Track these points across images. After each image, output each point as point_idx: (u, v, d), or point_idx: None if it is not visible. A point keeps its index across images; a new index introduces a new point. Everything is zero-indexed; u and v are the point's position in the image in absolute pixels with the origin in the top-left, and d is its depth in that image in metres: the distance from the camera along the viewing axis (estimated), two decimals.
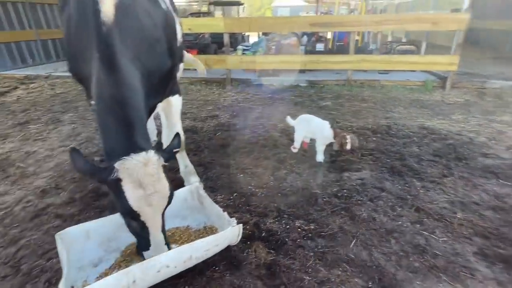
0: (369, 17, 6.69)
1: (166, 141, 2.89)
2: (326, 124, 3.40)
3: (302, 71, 8.05)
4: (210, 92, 7.21)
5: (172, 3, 2.78)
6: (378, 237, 2.35)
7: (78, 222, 2.45)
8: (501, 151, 3.81)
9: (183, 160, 3.00)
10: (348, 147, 3.17)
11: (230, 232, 2.01)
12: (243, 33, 13.29)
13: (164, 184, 1.69)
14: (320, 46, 8.09)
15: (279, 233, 2.38)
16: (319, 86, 7.38)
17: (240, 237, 2.11)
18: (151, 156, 1.65)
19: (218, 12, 19.68)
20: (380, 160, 3.59)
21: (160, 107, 2.65)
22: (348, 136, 3.17)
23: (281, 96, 6.65)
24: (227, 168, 3.43)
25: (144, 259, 1.81)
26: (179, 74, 3.13)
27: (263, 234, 2.36)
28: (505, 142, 4.08)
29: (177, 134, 2.00)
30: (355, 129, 4.63)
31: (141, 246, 1.84)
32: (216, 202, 2.79)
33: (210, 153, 3.83)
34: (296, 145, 3.74)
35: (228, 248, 2.16)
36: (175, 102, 2.69)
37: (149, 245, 1.77)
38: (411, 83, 7.11)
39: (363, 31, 8.09)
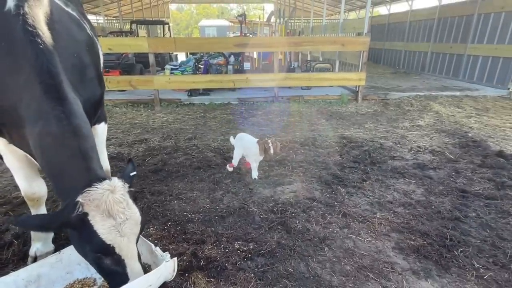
0: (288, 39, 7.28)
1: None
2: (254, 141, 3.50)
3: (232, 89, 8.24)
4: (138, 114, 6.81)
5: (92, 27, 2.59)
6: (313, 246, 2.48)
7: None
8: (405, 153, 4.46)
9: None
10: (271, 151, 3.33)
11: (164, 269, 1.87)
12: (170, 53, 13.05)
13: (134, 210, 1.61)
14: (247, 65, 8.42)
15: (218, 258, 2.31)
16: (250, 103, 7.64)
17: (176, 271, 1.98)
18: (117, 182, 1.57)
19: (142, 31, 19.00)
20: (309, 171, 3.84)
21: None
22: (269, 141, 3.33)
23: (213, 115, 6.67)
24: (159, 196, 3.23)
25: None
26: None
27: (201, 263, 2.26)
28: (407, 145, 4.80)
29: (130, 160, 2.02)
30: (285, 142, 4.89)
31: (116, 284, 1.62)
32: (149, 235, 2.60)
33: (140, 181, 3.56)
34: (234, 162, 3.75)
35: (165, 285, 2.00)
36: (101, 130, 2.46)
37: (127, 280, 1.60)
38: (330, 97, 7.89)
39: (285, 52, 8.76)
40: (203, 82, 7.31)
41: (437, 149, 4.57)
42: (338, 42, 7.18)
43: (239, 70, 8.24)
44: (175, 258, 1.93)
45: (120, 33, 13.50)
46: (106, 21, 22.89)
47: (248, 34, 10.79)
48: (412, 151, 4.53)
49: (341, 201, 3.11)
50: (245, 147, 3.59)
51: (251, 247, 2.46)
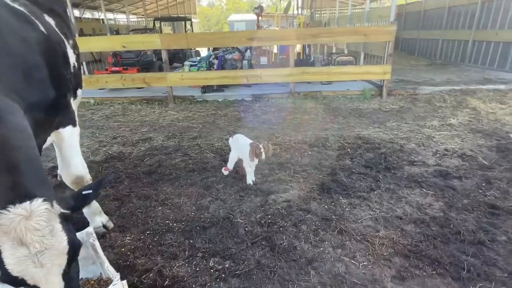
0: (304, 31, 6.82)
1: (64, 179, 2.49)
2: (248, 144, 3.21)
3: (247, 85, 7.96)
4: (151, 111, 6.79)
5: (63, 26, 2.45)
6: (297, 269, 2.15)
7: None
8: (428, 157, 3.90)
9: None
10: (263, 156, 3.05)
11: None
12: (192, 49, 13.05)
13: (60, 238, 1.37)
14: (263, 60, 8.08)
15: (185, 279, 2.08)
16: (264, 99, 7.32)
17: None
18: (37, 206, 1.34)
19: (167, 28, 19.31)
20: (311, 176, 3.47)
21: (49, 141, 2.25)
22: (261, 146, 3.03)
23: (225, 112, 6.45)
24: (145, 201, 3.07)
25: None
26: (76, 101, 2.77)
27: (166, 283, 2.04)
28: (431, 148, 4.21)
29: (102, 177, 1.75)
30: (292, 143, 4.53)
31: None
32: (123, 245, 2.45)
33: (130, 183, 3.44)
34: (229, 166, 3.50)
35: None
36: (67, 134, 2.31)
37: None
38: (351, 93, 7.31)
39: (304, 44, 8.27)
40: (216, 78, 7.11)
41: (468, 153, 3.95)
42: (360, 32, 6.58)
43: (256, 65, 7.92)
44: (125, 282, 1.72)
45: (142, 30, 13.76)
46: (137, 19, 23.64)
47: (264, 27, 10.39)
48: (437, 155, 3.96)
49: (340, 215, 2.73)
50: (239, 150, 3.32)
51: (227, 265, 2.20)
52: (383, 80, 7.00)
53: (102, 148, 4.61)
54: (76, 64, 2.52)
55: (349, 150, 4.22)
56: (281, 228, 2.55)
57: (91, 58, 10.66)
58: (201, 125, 5.66)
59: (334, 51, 11.83)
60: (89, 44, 6.85)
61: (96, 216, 2.63)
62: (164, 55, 6.92)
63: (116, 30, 14.87)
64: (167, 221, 2.74)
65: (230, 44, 7.28)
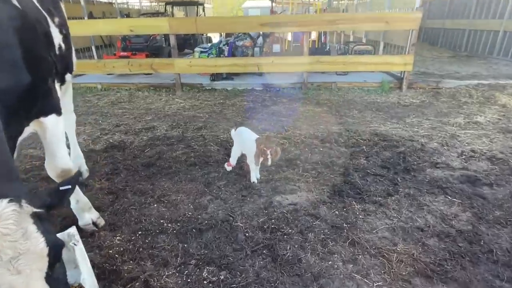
0: (320, 17, 6.37)
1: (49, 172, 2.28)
2: (253, 139, 2.93)
3: (258, 74, 7.61)
4: (158, 99, 6.56)
5: (47, 2, 2.19)
6: (301, 285, 1.89)
7: None
8: (452, 159, 3.53)
9: (73, 194, 2.38)
10: (269, 163, 2.78)
11: None
12: (203, 34, 12.68)
13: (35, 241, 1.22)
14: (276, 47, 7.68)
15: None
16: (275, 89, 6.97)
17: None
18: (3, 208, 1.17)
19: (180, 13, 18.91)
20: (322, 176, 3.17)
21: (28, 131, 2.03)
22: (268, 151, 2.71)
23: (233, 102, 6.16)
24: (140, 196, 2.86)
25: None
26: (66, 87, 2.53)
27: None
28: (456, 148, 3.82)
29: (78, 171, 1.67)
30: (303, 138, 4.22)
31: None
32: (112, 246, 2.24)
33: (128, 176, 3.24)
34: (231, 161, 3.24)
35: None
36: (50, 124, 2.07)
37: None
38: (368, 85, 6.86)
39: (320, 31, 7.80)
40: (225, 65, 6.79)
41: (498, 156, 3.55)
42: (382, 19, 6.08)
43: (268, 53, 7.54)
44: None
45: (153, 14, 13.44)
46: (150, 3, 23.28)
47: (278, 13, 9.87)
48: (463, 157, 3.57)
49: (352, 223, 2.43)
50: (243, 145, 3.04)
51: (222, 277, 1.96)
52: (404, 72, 6.51)
53: (103, 136, 4.42)
54: (63, 45, 2.27)
55: (364, 147, 3.88)
56: (285, 236, 2.29)
57: (100, 42, 10.48)
58: (207, 114, 5.40)
59: (351, 40, 11.25)
60: (96, 27, 6.62)
61: (85, 212, 2.43)
62: (172, 40, 6.63)
63: (126, 14, 14.58)
64: (161, 221, 2.52)
65: (241, 29, 6.91)
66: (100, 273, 2.01)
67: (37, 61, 1.85)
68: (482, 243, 2.20)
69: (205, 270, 2.01)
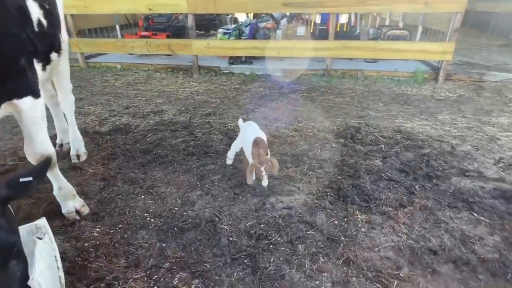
0: None
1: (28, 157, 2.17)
2: (251, 139, 2.57)
3: (280, 59, 7.19)
4: (173, 81, 6.43)
5: None
6: None
7: None
8: (487, 166, 3.03)
9: (55, 180, 2.30)
10: (265, 183, 2.51)
11: None
12: (229, 14, 12.27)
13: None
14: (301, 30, 7.16)
15: None
16: (295, 76, 6.54)
17: None
18: None
19: None
20: (327, 176, 2.84)
21: (1, 113, 1.92)
22: (262, 168, 2.34)
23: (249, 88, 5.86)
24: (130, 185, 2.73)
25: None
26: (53, 67, 2.39)
27: None
28: (494, 154, 3.29)
29: (47, 159, 1.57)
30: (315, 130, 3.87)
31: None
32: (90, 237, 2.13)
33: (123, 162, 3.13)
34: (229, 154, 3.00)
35: None
36: (27, 107, 1.93)
37: None
38: (399, 74, 6.21)
39: (350, 13, 7.13)
40: (244, 48, 6.45)
41: None
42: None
43: (291, 36, 7.06)
44: None
45: None
46: None
47: None
48: (500, 165, 3.05)
49: (352, 236, 2.12)
50: (244, 141, 2.75)
51: (193, 286, 1.77)
52: (442, 62, 5.79)
53: (111, 118, 4.37)
54: (44, 21, 2.10)
55: (383, 146, 3.46)
56: (271, 246, 2.03)
57: (125, 21, 10.48)
58: (219, 100, 5.17)
59: (387, 23, 10.32)
60: (115, 5, 6.52)
61: (68, 200, 2.33)
62: (190, 20, 6.38)
63: None
64: (145, 214, 2.37)
65: (263, 9, 6.47)
66: (70, 267, 1.90)
67: (4, 38, 1.69)
68: (509, 277, 1.80)
69: (177, 276, 1.83)
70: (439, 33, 7.15)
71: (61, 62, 2.62)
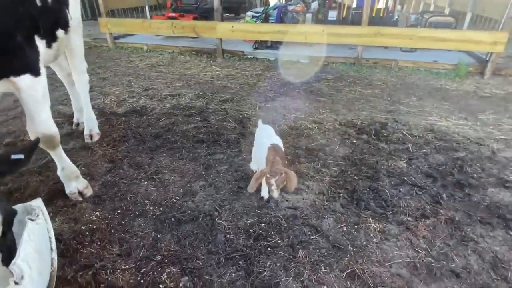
0: None
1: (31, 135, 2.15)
2: (265, 148, 2.21)
3: (308, 45, 6.80)
4: (196, 64, 6.33)
5: None
6: None
7: None
8: None
9: (58, 160, 2.28)
10: (276, 195, 2.07)
11: None
12: None
13: None
14: (332, 15, 6.69)
15: None
16: (323, 63, 6.17)
17: None
18: None
19: None
20: (342, 176, 2.60)
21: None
22: (273, 180, 1.97)
23: (272, 74, 5.61)
24: (135, 170, 2.68)
25: None
26: (60, 44, 2.33)
27: None
28: None
29: (38, 139, 1.55)
30: (336, 124, 3.59)
31: None
32: (89, 221, 2.11)
33: (132, 145, 3.08)
34: (251, 166, 2.62)
35: None
36: (26, 85, 1.86)
37: None
38: (439, 66, 5.63)
39: None
40: (269, 32, 6.15)
41: None
42: None
43: (320, 21, 6.62)
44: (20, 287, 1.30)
45: None
46: None
47: None
48: None
49: (361, 246, 1.90)
50: (259, 147, 2.39)
51: (181, 284, 1.67)
52: (491, 54, 5.13)
53: (129, 99, 4.36)
54: None
55: (410, 146, 3.13)
56: (269, 248, 1.87)
57: (154, 2, 10.49)
58: (239, 86, 4.99)
59: (432, 9, 9.41)
60: None
61: (71, 181, 2.32)
62: (216, 2, 6.18)
63: None
64: (146, 201, 2.31)
65: None
66: (65, 250, 1.88)
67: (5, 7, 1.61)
68: None
69: (167, 271, 1.74)
70: (490, 21, 6.36)
71: (71, 41, 2.57)
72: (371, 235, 1.97)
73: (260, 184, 2.08)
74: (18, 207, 1.74)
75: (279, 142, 2.35)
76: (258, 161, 2.35)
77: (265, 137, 2.36)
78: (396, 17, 6.67)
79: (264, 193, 2.25)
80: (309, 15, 6.59)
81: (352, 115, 3.89)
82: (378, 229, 2.02)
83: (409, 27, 6.65)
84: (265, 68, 6.01)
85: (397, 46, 5.93)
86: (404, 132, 3.42)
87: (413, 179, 2.56)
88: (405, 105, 4.28)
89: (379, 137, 3.33)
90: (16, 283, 1.35)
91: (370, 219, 2.10)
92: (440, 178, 2.59)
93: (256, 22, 7.36)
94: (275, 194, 2.02)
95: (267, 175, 1.98)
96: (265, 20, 6.76)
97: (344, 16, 6.67)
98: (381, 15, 6.56)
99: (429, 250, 1.87)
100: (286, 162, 2.30)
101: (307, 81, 5.26)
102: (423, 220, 2.10)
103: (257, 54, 6.58)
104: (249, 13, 8.35)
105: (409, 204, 2.25)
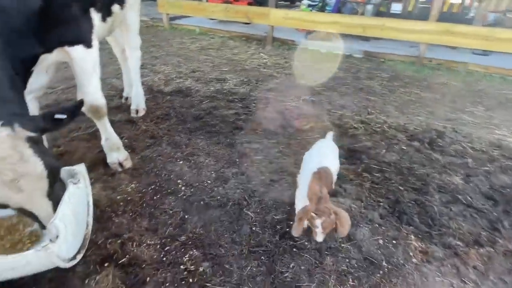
0: None
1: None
2: (311, 171, 1.81)
3: (365, 38, 6.36)
4: (244, 51, 6.28)
5: None
6: None
7: None
8: None
9: (103, 131, 2.38)
10: (319, 239, 1.57)
11: (35, 256, 1.38)
12: None
13: (33, 164, 1.34)
14: (397, 7, 6.15)
15: (143, 266, 1.64)
16: (379, 60, 5.73)
17: (66, 262, 1.47)
18: None
19: None
20: (386, 183, 2.38)
21: (51, 59, 1.95)
22: (318, 222, 1.53)
23: (321, 67, 5.36)
24: (173, 149, 2.73)
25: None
26: (112, 20, 2.39)
27: (121, 261, 1.66)
28: None
29: (81, 101, 1.64)
30: (385, 126, 3.31)
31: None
32: (124, 192, 2.19)
33: (174, 124, 3.15)
34: (298, 195, 1.95)
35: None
36: (78, 56, 1.94)
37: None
38: None
39: None
40: (324, 23, 5.85)
41: None
42: None
43: (382, 13, 6.12)
44: (47, 249, 1.38)
45: None
46: None
47: None
48: None
49: (397, 264, 1.71)
50: (303, 168, 2.03)
51: (201, 269, 1.66)
52: None
53: (177, 79, 4.47)
54: None
55: (470, 160, 2.76)
56: (295, 249, 1.77)
57: None
58: (285, 76, 4.85)
59: None
60: None
61: (113, 152, 2.43)
62: None
63: None
64: (178, 181, 2.33)
65: None
66: (100, 216, 1.98)
67: None
68: None
69: (189, 253, 1.74)
70: None
71: (127, 16, 2.64)
72: (411, 254, 1.77)
73: (314, 227, 1.57)
74: (63, 169, 1.85)
75: (332, 165, 1.92)
76: (301, 190, 1.85)
77: (315, 156, 1.92)
78: (472, 14, 5.90)
79: (295, 233, 1.61)
80: (369, 7, 6.12)
81: (405, 119, 3.55)
82: (420, 248, 1.80)
83: (486, 26, 5.85)
84: (314, 60, 5.74)
85: (468, 47, 5.27)
86: (464, 145, 3.03)
87: (469, 199, 2.25)
88: (469, 114, 3.79)
89: (434, 146, 2.99)
90: (51, 241, 1.45)
91: (412, 236, 1.88)
92: (502, 202, 2.25)
93: (311, 11, 7.06)
94: (319, 237, 1.56)
95: (312, 214, 1.55)
96: (322, 9, 6.44)
97: (410, 9, 6.09)
98: (454, 10, 5.85)
99: (479, 283, 1.62)
100: (333, 187, 1.90)
101: (359, 77, 4.93)
102: (476, 247, 1.83)
103: (308, 44, 6.32)
104: (305, 1, 8.02)
105: (460, 227, 1.98)
